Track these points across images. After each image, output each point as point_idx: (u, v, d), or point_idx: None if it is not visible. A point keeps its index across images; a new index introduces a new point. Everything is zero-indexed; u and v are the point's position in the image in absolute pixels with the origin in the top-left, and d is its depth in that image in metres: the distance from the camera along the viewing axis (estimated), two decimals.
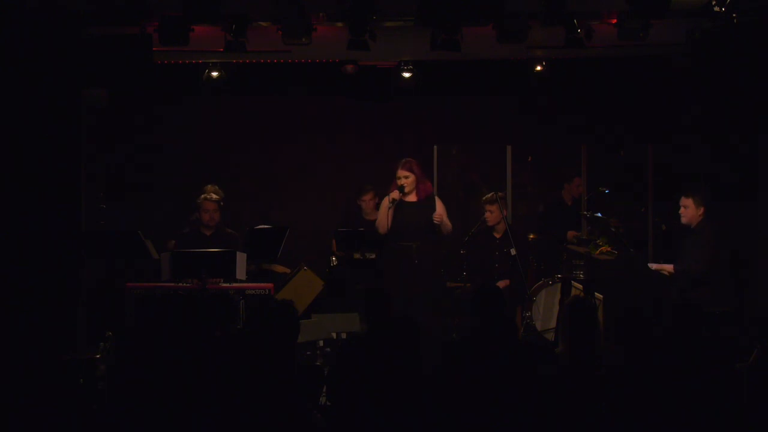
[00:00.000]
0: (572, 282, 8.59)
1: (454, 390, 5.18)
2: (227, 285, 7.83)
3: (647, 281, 8.10)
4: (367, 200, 9.43)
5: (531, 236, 9.46)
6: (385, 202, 8.49)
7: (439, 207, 8.52)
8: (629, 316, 5.30)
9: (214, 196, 8.59)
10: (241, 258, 7.65)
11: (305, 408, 5.09)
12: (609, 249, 8.38)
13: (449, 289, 9.23)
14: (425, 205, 8.50)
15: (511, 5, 7.46)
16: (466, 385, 5.17)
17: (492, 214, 9.08)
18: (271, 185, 10.23)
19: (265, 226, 8.11)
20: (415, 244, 8.33)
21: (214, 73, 9.09)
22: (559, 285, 8.56)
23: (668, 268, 8.23)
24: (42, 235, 7.53)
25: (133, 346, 5.55)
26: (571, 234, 9.60)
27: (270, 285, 7.99)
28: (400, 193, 8.40)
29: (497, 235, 9.18)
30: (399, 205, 8.42)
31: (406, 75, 9.15)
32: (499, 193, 9.26)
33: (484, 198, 9.20)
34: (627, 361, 5.13)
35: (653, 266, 8.40)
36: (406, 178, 8.44)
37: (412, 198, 8.49)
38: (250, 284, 7.89)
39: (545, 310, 8.79)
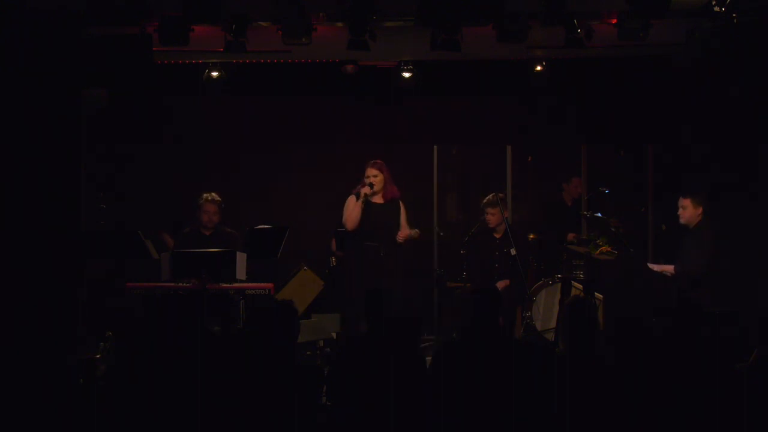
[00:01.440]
0: (572, 282, 8.59)
1: (453, 390, 5.18)
2: (227, 285, 7.83)
3: (647, 281, 8.10)
4: None
5: (531, 236, 9.47)
6: (352, 198, 8.54)
7: (402, 213, 8.63)
8: (629, 318, 5.30)
9: (217, 198, 8.62)
10: (241, 258, 7.65)
11: (305, 408, 5.09)
12: (609, 249, 8.38)
13: (449, 289, 9.23)
14: (391, 207, 8.60)
15: (511, 5, 7.46)
16: (466, 385, 5.17)
17: (494, 217, 9.09)
18: (271, 185, 10.23)
19: (265, 226, 8.11)
20: (381, 244, 8.40)
21: (214, 73, 9.09)
22: (559, 285, 8.56)
23: (669, 269, 8.23)
24: (42, 235, 7.52)
25: (133, 346, 5.55)
26: (571, 236, 9.60)
27: (270, 285, 7.99)
28: (371, 189, 8.47)
29: (497, 236, 9.18)
30: (365, 205, 8.48)
31: (406, 75, 9.15)
32: (499, 194, 9.26)
33: (484, 200, 9.19)
34: (626, 361, 5.13)
35: (654, 267, 8.40)
36: (375, 177, 8.55)
37: (378, 199, 8.58)
38: (250, 284, 7.89)
39: (545, 310, 8.79)
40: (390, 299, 6.01)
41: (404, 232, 8.60)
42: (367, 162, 8.64)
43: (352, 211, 8.50)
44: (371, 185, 8.50)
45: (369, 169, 8.58)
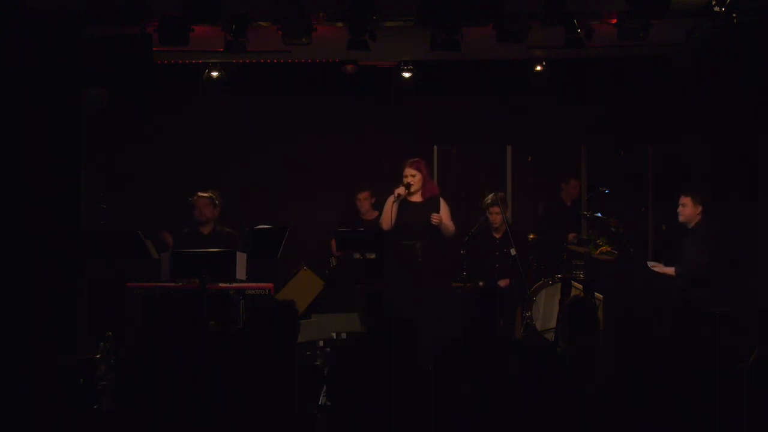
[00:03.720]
0: (572, 282, 8.58)
1: (453, 390, 5.18)
2: (227, 285, 7.83)
3: (647, 281, 8.10)
4: (362, 199, 9.45)
5: (531, 236, 9.47)
6: (391, 198, 8.50)
7: (444, 209, 8.53)
8: (629, 318, 5.30)
9: (207, 194, 8.62)
10: (241, 258, 7.64)
11: (305, 408, 5.09)
12: (609, 249, 8.37)
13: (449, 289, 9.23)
14: (429, 205, 8.51)
15: (511, 5, 7.46)
16: (466, 385, 5.17)
17: (499, 216, 9.09)
18: (271, 185, 10.23)
19: (265, 226, 8.10)
20: (418, 243, 8.35)
21: (214, 73, 9.10)
22: (559, 285, 8.55)
23: (669, 271, 8.22)
24: (42, 235, 7.52)
25: (134, 345, 5.56)
26: (571, 236, 9.60)
27: (270, 285, 7.99)
28: (406, 190, 8.41)
29: (497, 235, 9.18)
30: (403, 204, 8.43)
31: (406, 75, 9.16)
32: (500, 194, 9.25)
33: (488, 201, 9.18)
34: (626, 361, 5.13)
35: (654, 267, 8.39)
36: (413, 176, 8.46)
37: (416, 198, 8.50)
38: (250, 284, 7.89)
39: (545, 310, 8.79)
40: (389, 300, 6.02)
41: (437, 216, 8.49)
42: (406, 161, 8.58)
43: (387, 211, 8.46)
44: (408, 186, 8.43)
45: (407, 169, 8.49)
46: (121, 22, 7.49)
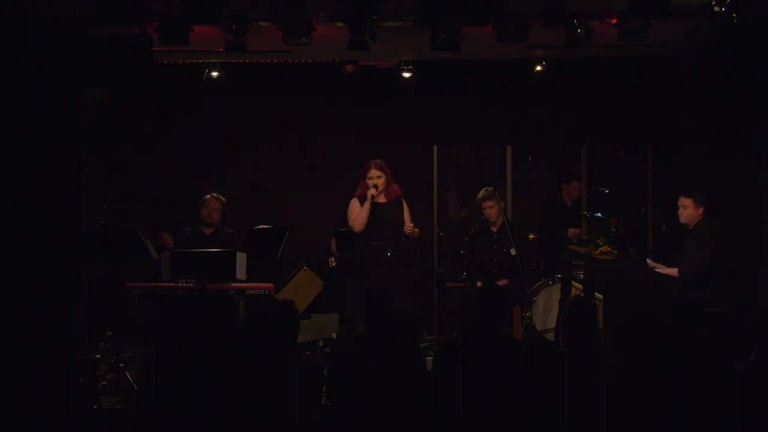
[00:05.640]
0: (572, 282, 8.58)
1: (453, 390, 5.18)
2: (227, 285, 7.84)
3: (647, 281, 8.09)
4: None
5: (531, 236, 9.46)
6: (355, 202, 8.53)
7: (406, 211, 8.63)
8: (629, 318, 5.30)
9: (222, 198, 8.64)
10: (241, 258, 7.65)
11: (305, 408, 5.10)
12: (609, 249, 8.37)
13: (449, 288, 9.23)
14: (394, 206, 8.58)
15: (511, 5, 7.46)
16: (466, 385, 5.17)
17: (493, 209, 9.09)
18: (271, 185, 10.23)
19: (265, 226, 8.11)
20: (388, 243, 8.39)
21: (214, 73, 9.10)
22: (559, 285, 8.55)
23: (672, 272, 8.21)
24: (42, 235, 7.53)
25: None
26: (572, 231, 9.59)
27: (270, 285, 7.99)
28: (375, 190, 8.45)
29: (494, 229, 9.15)
30: (371, 206, 8.48)
31: (406, 75, 9.16)
32: (489, 188, 9.22)
33: (480, 196, 9.17)
34: (626, 361, 5.13)
35: (658, 269, 8.38)
36: (378, 177, 8.51)
37: (381, 199, 8.55)
38: (250, 284, 7.90)
39: (545, 310, 8.79)
40: (391, 300, 6.01)
41: (409, 225, 8.58)
42: (368, 162, 8.61)
43: (359, 214, 8.47)
44: (376, 186, 8.47)
45: (372, 170, 8.53)
46: (121, 22, 7.48)
